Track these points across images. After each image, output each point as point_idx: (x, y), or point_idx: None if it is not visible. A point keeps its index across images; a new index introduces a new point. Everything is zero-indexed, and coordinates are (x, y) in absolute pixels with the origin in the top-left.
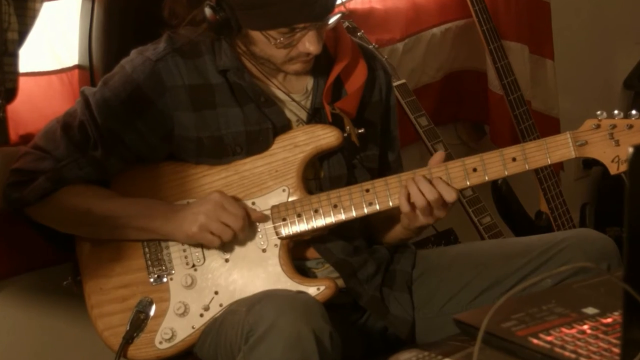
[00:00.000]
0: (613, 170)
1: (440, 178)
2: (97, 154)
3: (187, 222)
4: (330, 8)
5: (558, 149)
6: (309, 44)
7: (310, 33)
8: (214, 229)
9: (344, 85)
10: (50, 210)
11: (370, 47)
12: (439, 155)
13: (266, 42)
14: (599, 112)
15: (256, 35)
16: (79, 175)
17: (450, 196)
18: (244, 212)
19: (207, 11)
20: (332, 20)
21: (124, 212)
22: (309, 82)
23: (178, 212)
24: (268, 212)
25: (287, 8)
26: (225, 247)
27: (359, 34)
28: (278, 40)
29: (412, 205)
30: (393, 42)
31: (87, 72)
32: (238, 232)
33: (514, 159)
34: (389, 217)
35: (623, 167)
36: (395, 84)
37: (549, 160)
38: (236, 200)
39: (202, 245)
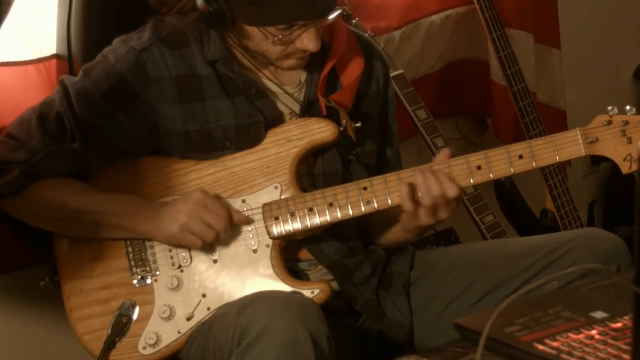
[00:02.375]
0: (625, 169)
1: (443, 172)
2: (75, 147)
3: (167, 222)
4: (333, 5)
5: (567, 146)
6: (308, 41)
7: (309, 30)
8: (196, 230)
9: (340, 77)
10: (24, 204)
11: (366, 35)
12: (445, 153)
13: (262, 38)
14: (610, 108)
15: (252, 30)
16: (55, 169)
17: (452, 191)
18: (227, 212)
19: (199, 1)
20: (333, 16)
21: (100, 208)
22: (302, 73)
23: (158, 211)
24: (259, 211)
25: (287, 4)
26: (214, 247)
27: (354, 21)
28: (276, 38)
29: (415, 205)
30: (390, 30)
31: (66, 62)
32: (221, 233)
33: (520, 157)
34: (387, 218)
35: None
36: (392, 75)
37: (557, 158)
38: (219, 199)
39: None
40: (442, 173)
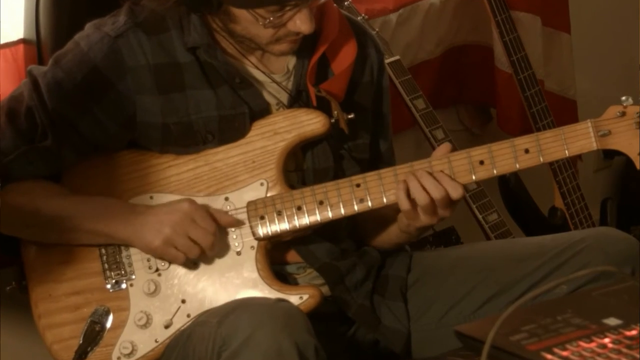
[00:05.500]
0: None
1: (443, 172)
2: (47, 144)
3: (149, 233)
4: None
5: (577, 139)
6: (301, 23)
7: (302, 11)
8: (180, 245)
9: (331, 65)
10: None
11: (359, 18)
12: (445, 147)
13: (251, 21)
14: (624, 98)
15: (240, 13)
16: (28, 170)
17: (455, 192)
18: (215, 227)
19: None
20: None
21: (76, 212)
22: (290, 60)
23: (139, 216)
24: (243, 210)
25: None
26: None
27: (346, 3)
28: (267, 20)
29: (413, 203)
30: (385, 12)
31: (34, 46)
32: (207, 250)
33: (526, 151)
34: (382, 217)
35: None
36: (387, 61)
37: (566, 152)
38: (207, 211)
39: None
40: (442, 174)
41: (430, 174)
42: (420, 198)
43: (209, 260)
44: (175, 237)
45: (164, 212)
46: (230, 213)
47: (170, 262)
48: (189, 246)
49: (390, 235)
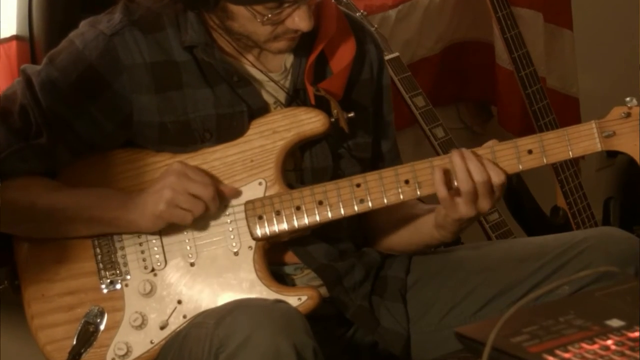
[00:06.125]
0: None
1: (486, 157)
2: (42, 142)
3: (151, 203)
4: None
5: (581, 140)
6: (299, 20)
7: (300, 8)
8: (183, 203)
9: (329, 62)
10: None
11: (358, 15)
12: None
13: (249, 18)
14: (628, 99)
15: (238, 10)
16: (23, 168)
17: (498, 178)
18: (211, 179)
19: None
20: None
21: (73, 204)
22: (287, 58)
23: (137, 197)
24: (241, 209)
25: None
26: (191, 249)
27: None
28: (265, 17)
29: (451, 191)
30: (384, 8)
31: (27, 43)
32: (209, 202)
33: (530, 152)
34: (404, 217)
35: None
36: (387, 58)
37: (570, 153)
38: (200, 167)
39: (163, 247)
40: (485, 159)
41: (477, 156)
42: (464, 182)
43: (205, 261)
44: (177, 196)
45: (158, 180)
46: (227, 213)
47: (181, 223)
48: (192, 202)
49: (422, 234)
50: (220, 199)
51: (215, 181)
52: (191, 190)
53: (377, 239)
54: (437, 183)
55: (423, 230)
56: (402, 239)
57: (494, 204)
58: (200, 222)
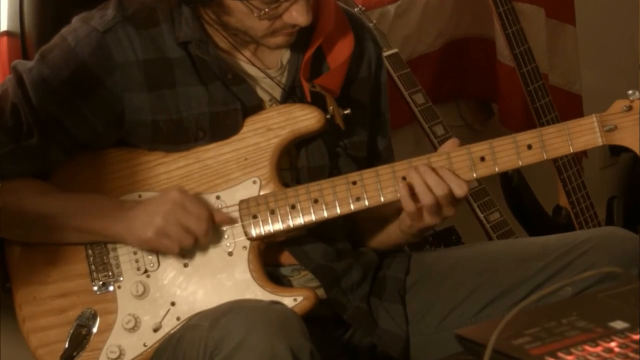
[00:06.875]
0: None
1: (446, 168)
2: (33, 142)
3: (141, 224)
4: None
5: (582, 134)
6: (297, 14)
7: (298, 2)
8: (173, 234)
9: (326, 59)
10: None
11: (356, 10)
12: (452, 142)
13: (247, 13)
14: (630, 92)
15: (234, 4)
16: (14, 169)
17: (460, 190)
18: (207, 213)
19: None
20: None
21: (63, 210)
22: (284, 54)
23: (129, 211)
24: (236, 209)
25: None
26: (184, 250)
27: None
28: (262, 12)
29: (417, 203)
30: (383, 4)
31: (18, 39)
32: (200, 237)
33: (529, 147)
34: (381, 217)
35: None
36: (385, 54)
37: (571, 148)
38: (198, 198)
39: None
40: (445, 170)
41: (433, 169)
42: (425, 197)
43: (199, 262)
44: (168, 227)
45: (153, 203)
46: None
47: (164, 254)
48: (182, 235)
49: (390, 236)
50: (214, 228)
51: (211, 213)
52: (184, 223)
53: (352, 233)
54: (403, 198)
55: (391, 232)
56: (373, 237)
57: (456, 210)
58: None
